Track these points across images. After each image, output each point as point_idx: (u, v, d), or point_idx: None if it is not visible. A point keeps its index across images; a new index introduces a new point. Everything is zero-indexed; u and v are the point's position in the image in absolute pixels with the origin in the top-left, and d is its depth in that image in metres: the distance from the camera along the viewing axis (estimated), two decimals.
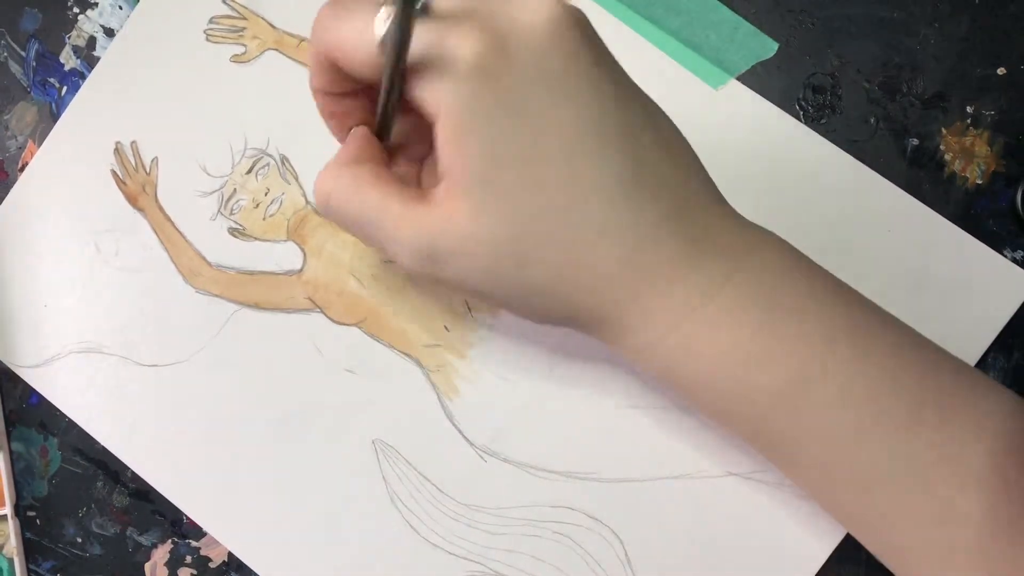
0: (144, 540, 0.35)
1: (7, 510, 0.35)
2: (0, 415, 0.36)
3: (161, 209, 0.36)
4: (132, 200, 0.36)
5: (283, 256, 0.35)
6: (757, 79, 0.34)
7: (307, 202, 0.35)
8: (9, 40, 0.37)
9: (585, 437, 0.33)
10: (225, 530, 0.34)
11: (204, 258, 0.35)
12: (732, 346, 0.24)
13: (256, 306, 0.35)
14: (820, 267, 0.26)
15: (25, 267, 0.36)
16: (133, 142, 0.36)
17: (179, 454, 0.35)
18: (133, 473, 0.35)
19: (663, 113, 0.25)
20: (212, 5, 0.36)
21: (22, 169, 0.36)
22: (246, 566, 0.34)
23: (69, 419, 0.35)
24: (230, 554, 0.35)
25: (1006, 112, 0.33)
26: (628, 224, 0.23)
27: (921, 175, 0.33)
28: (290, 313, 0.35)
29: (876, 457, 0.24)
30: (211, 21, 0.36)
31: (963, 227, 0.32)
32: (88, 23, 0.37)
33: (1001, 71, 0.33)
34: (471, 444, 0.34)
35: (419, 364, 0.34)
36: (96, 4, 0.37)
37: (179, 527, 0.35)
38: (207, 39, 0.36)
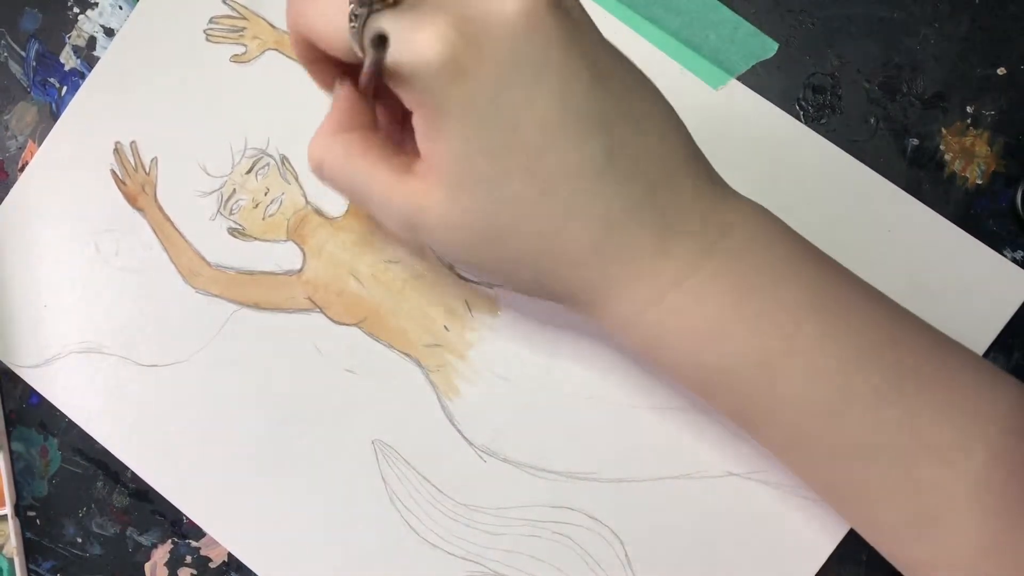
0: (144, 540, 0.35)
1: (7, 510, 0.35)
2: (0, 415, 0.36)
3: (161, 209, 0.36)
4: (132, 200, 0.36)
5: (283, 256, 0.35)
6: (757, 79, 0.34)
7: (307, 202, 0.35)
8: (9, 40, 0.37)
9: (585, 437, 0.33)
10: (224, 530, 0.34)
11: (204, 258, 0.35)
12: (706, 322, 0.25)
13: (256, 306, 0.35)
14: (801, 239, 0.26)
15: (25, 267, 0.36)
16: (133, 142, 0.36)
17: (179, 454, 0.35)
18: (133, 473, 0.35)
19: (647, 84, 0.25)
20: (212, 5, 0.36)
21: (22, 169, 0.36)
22: (246, 566, 0.34)
23: (69, 419, 0.35)
24: (230, 554, 0.35)
25: (1006, 112, 0.33)
26: (598, 210, 0.24)
27: (921, 175, 0.33)
28: (290, 313, 0.35)
29: (853, 431, 0.25)
30: (211, 21, 0.36)
31: (963, 227, 0.32)
32: (88, 23, 0.37)
33: (1001, 71, 0.33)
34: (471, 444, 0.34)
35: (419, 364, 0.34)
36: (96, 4, 0.37)
37: (179, 527, 0.35)
38: (207, 39, 0.36)
